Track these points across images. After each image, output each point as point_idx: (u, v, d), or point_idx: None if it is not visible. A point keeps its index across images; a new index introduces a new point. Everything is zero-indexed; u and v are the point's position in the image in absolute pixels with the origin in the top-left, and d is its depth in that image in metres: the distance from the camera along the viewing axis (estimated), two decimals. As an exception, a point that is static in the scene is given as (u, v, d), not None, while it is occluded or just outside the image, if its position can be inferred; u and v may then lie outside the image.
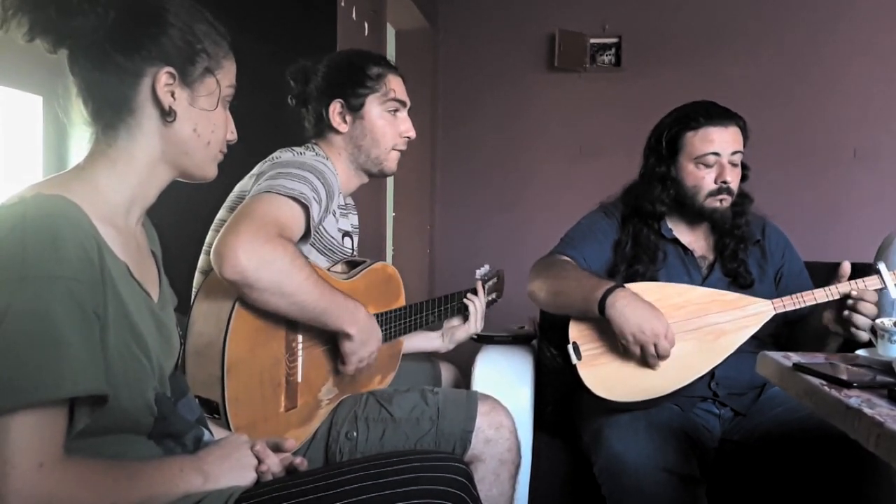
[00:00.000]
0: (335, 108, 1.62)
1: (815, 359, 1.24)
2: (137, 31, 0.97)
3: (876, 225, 2.75)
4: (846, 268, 1.64)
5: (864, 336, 1.58)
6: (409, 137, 1.67)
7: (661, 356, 1.63)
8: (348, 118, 1.63)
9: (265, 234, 1.26)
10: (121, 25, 0.95)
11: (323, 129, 1.65)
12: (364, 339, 1.44)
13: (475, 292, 1.88)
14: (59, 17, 0.91)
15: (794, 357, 1.25)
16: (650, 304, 1.65)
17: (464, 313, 1.87)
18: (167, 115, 0.98)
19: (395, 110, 1.65)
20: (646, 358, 1.64)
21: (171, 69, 0.97)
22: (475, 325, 1.86)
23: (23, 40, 0.92)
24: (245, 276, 1.23)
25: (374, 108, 1.63)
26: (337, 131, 1.63)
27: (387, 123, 1.64)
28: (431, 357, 1.95)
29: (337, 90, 1.62)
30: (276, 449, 1.14)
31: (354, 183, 1.70)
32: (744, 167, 1.84)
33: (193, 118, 1.00)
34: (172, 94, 0.98)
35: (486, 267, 2.01)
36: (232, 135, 1.07)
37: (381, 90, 1.63)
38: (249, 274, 1.23)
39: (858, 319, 1.57)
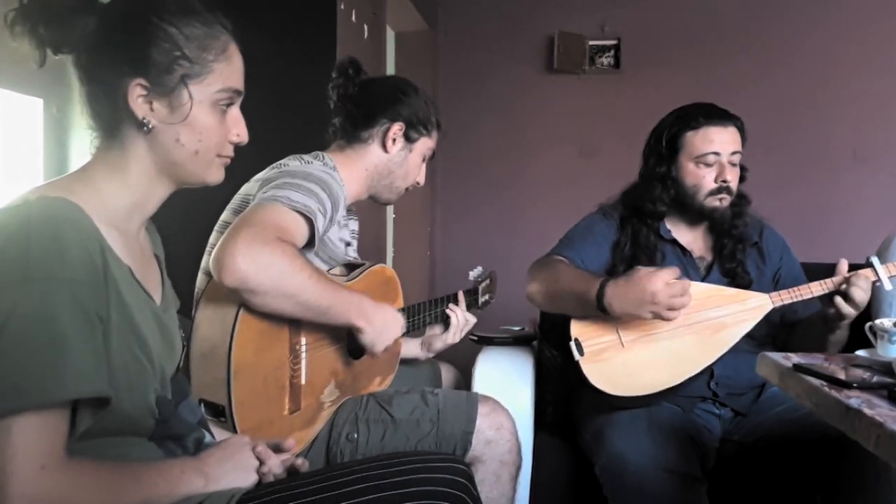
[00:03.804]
0: (396, 129, 1.65)
1: (815, 359, 1.24)
2: (114, 41, 0.96)
3: (875, 226, 2.75)
4: (844, 266, 1.67)
5: (853, 312, 1.62)
6: (418, 184, 1.76)
7: (683, 301, 1.59)
8: (399, 144, 1.67)
9: (263, 239, 1.26)
10: (101, 35, 0.95)
11: (362, 136, 1.66)
12: (379, 328, 1.43)
13: (456, 301, 1.86)
14: (46, 28, 0.92)
15: (795, 358, 1.25)
16: (632, 275, 1.62)
17: (446, 322, 1.84)
18: (142, 126, 0.96)
19: (423, 161, 1.74)
20: (671, 316, 1.60)
21: (142, 80, 0.95)
22: (453, 337, 1.83)
23: (33, 58, 0.94)
24: (245, 282, 1.23)
25: (420, 149, 1.71)
26: (384, 148, 1.66)
27: (418, 167, 1.73)
28: (431, 358, 1.95)
29: (405, 114, 1.66)
30: (277, 450, 1.14)
31: (359, 197, 1.71)
32: (742, 168, 1.85)
33: (175, 128, 0.98)
34: (151, 106, 0.96)
35: (479, 269, 2.02)
36: (238, 137, 1.04)
37: (433, 138, 1.73)
38: (250, 279, 1.23)
39: (855, 294, 1.61)
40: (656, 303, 1.59)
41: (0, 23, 0.94)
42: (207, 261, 1.52)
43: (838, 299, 1.63)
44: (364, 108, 1.66)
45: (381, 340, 1.44)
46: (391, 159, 1.67)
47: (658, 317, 1.61)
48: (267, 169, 1.55)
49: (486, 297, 2.03)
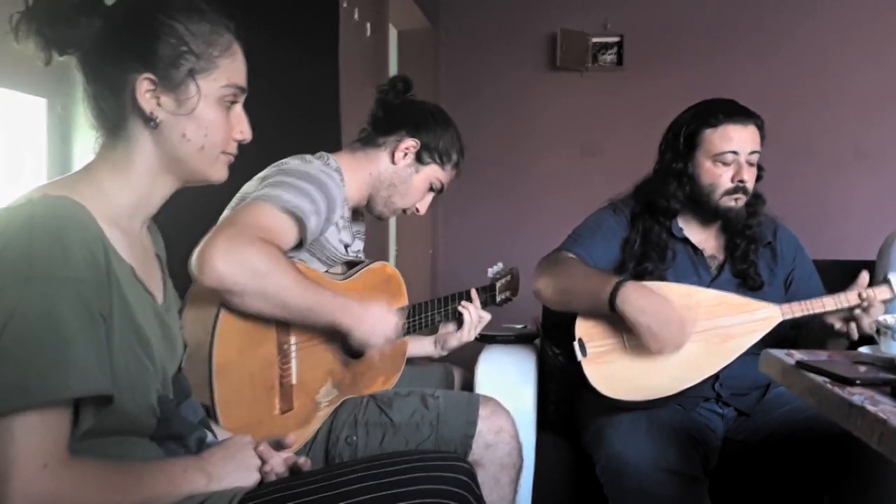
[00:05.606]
0: (410, 144, 1.65)
1: (818, 356, 1.24)
2: (120, 38, 0.96)
3: (877, 223, 2.75)
4: (864, 278, 1.63)
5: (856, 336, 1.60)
6: (418, 212, 1.74)
7: (672, 344, 1.61)
8: (408, 160, 1.66)
9: (242, 239, 1.26)
10: (106, 34, 0.96)
11: (378, 140, 1.66)
12: (369, 327, 1.41)
13: (469, 298, 1.83)
14: (52, 29, 0.93)
15: (797, 355, 1.25)
16: (660, 294, 1.63)
17: (459, 319, 1.82)
18: (149, 120, 0.97)
19: (431, 191, 1.73)
20: (655, 345, 1.61)
21: (150, 75, 0.96)
22: (468, 335, 1.81)
23: (39, 58, 0.94)
24: (223, 282, 1.22)
25: (429, 175, 1.69)
26: (392, 158, 1.66)
27: (422, 193, 1.72)
28: (445, 361, 1.94)
29: (424, 136, 1.66)
30: (279, 447, 1.14)
31: (360, 202, 1.70)
32: (759, 167, 1.81)
33: (181, 123, 0.98)
34: (158, 101, 0.97)
35: (500, 265, 1.98)
36: (242, 135, 1.05)
37: (446, 172, 1.71)
38: (227, 279, 1.22)
39: (864, 322, 1.58)
40: (666, 323, 1.59)
41: (3, 23, 0.94)
42: None
43: (851, 326, 1.61)
44: (389, 115, 1.67)
45: (374, 337, 1.42)
46: (396, 172, 1.66)
47: (645, 337, 1.60)
48: (268, 167, 1.55)
49: (506, 294, 1.98)
